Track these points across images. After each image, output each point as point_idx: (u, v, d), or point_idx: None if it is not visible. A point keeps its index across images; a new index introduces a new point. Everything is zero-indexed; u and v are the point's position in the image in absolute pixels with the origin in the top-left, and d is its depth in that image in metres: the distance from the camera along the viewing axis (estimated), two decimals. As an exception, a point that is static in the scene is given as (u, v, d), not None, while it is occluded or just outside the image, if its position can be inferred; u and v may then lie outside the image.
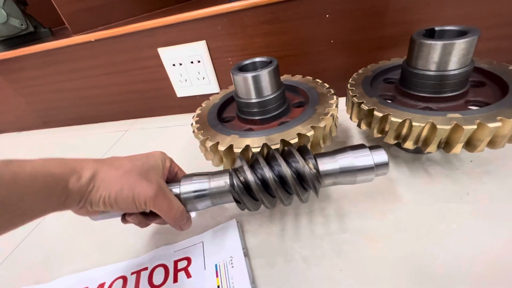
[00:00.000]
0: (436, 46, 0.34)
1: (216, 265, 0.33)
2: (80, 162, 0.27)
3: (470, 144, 0.32)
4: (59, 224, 0.48)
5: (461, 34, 0.35)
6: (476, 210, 0.33)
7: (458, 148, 0.32)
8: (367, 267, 0.30)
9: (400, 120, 0.33)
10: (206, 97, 0.58)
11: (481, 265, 0.28)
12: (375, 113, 0.36)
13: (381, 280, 0.29)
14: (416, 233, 0.32)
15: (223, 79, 0.67)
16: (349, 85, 0.44)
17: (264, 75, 0.37)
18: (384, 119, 0.35)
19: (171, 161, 0.36)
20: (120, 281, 0.34)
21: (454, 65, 0.34)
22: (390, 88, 0.43)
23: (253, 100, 0.39)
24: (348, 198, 0.38)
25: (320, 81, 0.46)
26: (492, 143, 0.31)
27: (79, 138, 0.80)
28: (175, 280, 0.33)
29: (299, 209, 0.39)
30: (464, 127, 0.30)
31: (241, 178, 0.31)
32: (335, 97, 0.41)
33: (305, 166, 0.30)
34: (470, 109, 0.35)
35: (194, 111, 0.47)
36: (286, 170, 0.30)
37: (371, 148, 0.31)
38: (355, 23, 0.53)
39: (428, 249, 0.30)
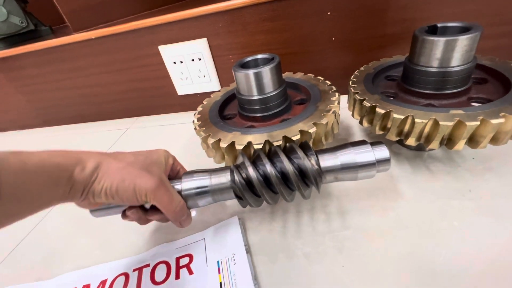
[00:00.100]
0: (439, 43, 0.33)
1: (218, 262, 0.33)
2: (84, 153, 0.28)
3: (472, 141, 0.32)
4: (60, 222, 0.48)
5: (463, 30, 0.34)
6: (479, 207, 0.33)
7: (460, 145, 0.32)
8: (369, 264, 0.30)
9: (402, 117, 0.33)
10: (207, 95, 0.58)
11: (483, 262, 0.28)
12: (377, 110, 0.36)
13: (383, 276, 0.29)
14: (418, 230, 0.32)
15: (224, 77, 0.67)
16: (351, 82, 0.44)
17: (266, 72, 0.37)
18: (386, 115, 0.35)
19: (174, 159, 0.36)
20: (122, 277, 0.34)
21: (456, 61, 0.34)
22: (392, 85, 0.43)
23: (255, 97, 0.39)
24: (350, 195, 0.38)
25: (322, 79, 0.46)
26: (495, 140, 0.31)
27: (80, 136, 0.80)
28: (177, 276, 0.33)
29: (301, 206, 0.39)
30: (467, 123, 0.29)
31: (243, 175, 0.31)
32: (337, 94, 0.40)
33: (308, 162, 0.30)
34: (472, 106, 0.35)
35: (194, 109, 0.47)
36: (288, 166, 0.30)
37: (373, 144, 0.31)
38: (357, 20, 0.53)
39: (430, 246, 0.30)
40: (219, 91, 0.52)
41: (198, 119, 0.43)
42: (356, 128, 0.52)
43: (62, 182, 0.25)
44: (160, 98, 0.75)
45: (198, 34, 0.61)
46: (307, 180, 0.31)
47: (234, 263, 0.32)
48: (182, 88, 0.71)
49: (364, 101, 0.38)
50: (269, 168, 0.30)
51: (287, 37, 0.57)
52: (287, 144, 0.33)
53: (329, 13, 0.53)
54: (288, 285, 0.30)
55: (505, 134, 0.30)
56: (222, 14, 0.57)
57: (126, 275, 0.34)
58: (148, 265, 0.35)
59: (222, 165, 0.38)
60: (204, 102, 0.48)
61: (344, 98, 0.45)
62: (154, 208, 0.32)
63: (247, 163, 0.31)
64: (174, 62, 0.66)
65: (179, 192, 0.32)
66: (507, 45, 0.51)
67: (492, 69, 0.39)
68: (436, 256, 0.29)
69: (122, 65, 0.70)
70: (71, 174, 0.26)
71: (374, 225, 0.34)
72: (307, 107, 0.39)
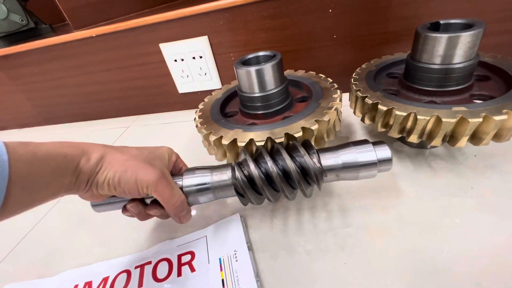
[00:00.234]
0: (442, 39, 0.33)
1: (220, 259, 0.33)
2: (90, 145, 0.29)
3: (475, 137, 0.32)
4: (62, 219, 0.48)
5: (466, 27, 0.34)
6: (480, 204, 0.33)
7: (463, 142, 0.31)
8: (371, 261, 0.30)
9: (404, 114, 0.33)
10: (208, 93, 0.58)
11: (485, 259, 0.28)
12: (380, 107, 0.36)
13: (385, 273, 0.29)
14: (420, 228, 0.32)
15: (225, 75, 0.67)
16: (352, 79, 0.44)
17: (268, 69, 0.37)
18: (389, 113, 0.35)
19: (177, 156, 0.36)
20: (124, 275, 0.34)
21: (459, 58, 0.34)
22: (394, 83, 0.43)
23: (257, 94, 0.39)
24: (351, 193, 0.38)
25: (323, 76, 0.46)
26: (497, 137, 0.31)
27: (81, 134, 0.80)
28: (179, 274, 0.33)
29: (302, 204, 0.38)
30: (470, 120, 0.29)
31: (245, 172, 0.31)
32: (338, 91, 0.40)
33: (310, 160, 0.29)
34: (475, 102, 0.35)
35: (195, 107, 0.47)
36: (290, 164, 0.29)
37: (374, 143, 0.31)
38: (358, 17, 0.53)
39: (432, 243, 0.30)
40: (220, 89, 0.51)
41: (199, 117, 0.43)
42: (357, 125, 0.52)
43: (69, 172, 0.26)
44: (161, 96, 0.75)
45: (199, 32, 0.61)
46: (309, 178, 0.31)
47: (236, 260, 0.32)
48: (183, 86, 0.71)
49: (366, 98, 0.38)
50: (271, 165, 0.30)
51: (288, 34, 0.57)
52: (290, 142, 0.33)
53: (330, 10, 0.53)
54: (290, 282, 0.30)
55: (508, 131, 0.30)
56: (223, 11, 0.56)
57: (128, 272, 0.34)
58: (150, 263, 0.35)
59: (224, 162, 0.38)
60: (205, 100, 0.48)
61: (345, 96, 0.45)
62: (154, 203, 0.32)
63: (249, 160, 0.31)
64: (175, 60, 0.66)
65: (181, 188, 0.32)
66: (510, 42, 0.51)
67: (494, 66, 0.39)
68: (438, 253, 0.29)
69: (123, 63, 0.70)
70: (77, 164, 0.27)
71: (376, 222, 0.34)
72: (308, 105, 0.39)
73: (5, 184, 0.21)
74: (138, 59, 0.68)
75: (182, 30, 0.61)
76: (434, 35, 0.34)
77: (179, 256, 0.35)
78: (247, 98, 0.40)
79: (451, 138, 0.33)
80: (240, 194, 0.32)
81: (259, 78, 0.38)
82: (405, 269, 0.28)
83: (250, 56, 0.42)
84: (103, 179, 0.28)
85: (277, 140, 0.33)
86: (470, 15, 0.49)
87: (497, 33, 0.50)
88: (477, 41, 0.33)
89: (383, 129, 0.38)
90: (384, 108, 0.35)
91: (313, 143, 0.35)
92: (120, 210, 0.33)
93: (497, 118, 0.29)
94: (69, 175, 0.26)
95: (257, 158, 0.32)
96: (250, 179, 0.31)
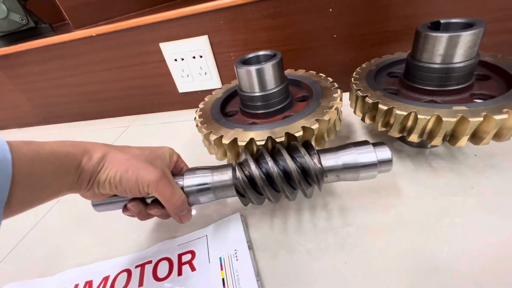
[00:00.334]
0: (442, 38, 0.33)
1: (220, 258, 0.33)
2: (91, 144, 0.29)
3: (476, 137, 0.32)
4: (62, 219, 0.48)
5: (466, 26, 0.34)
6: (481, 203, 0.33)
7: (463, 141, 0.31)
8: (371, 260, 0.30)
9: (405, 113, 0.33)
10: (208, 92, 0.57)
11: (486, 258, 0.28)
12: (380, 106, 0.36)
13: (385, 273, 0.29)
14: (420, 227, 0.32)
15: (225, 74, 0.67)
16: (353, 79, 0.44)
17: (268, 68, 0.37)
18: (389, 112, 0.35)
19: (179, 156, 0.37)
20: (125, 274, 0.34)
21: (459, 57, 0.34)
22: (394, 82, 0.43)
23: (257, 94, 0.39)
24: (351, 192, 0.38)
25: (324, 75, 0.46)
26: (498, 136, 0.31)
27: (81, 134, 0.80)
28: (180, 273, 0.33)
29: (302, 203, 0.38)
30: (470, 119, 0.29)
31: (246, 172, 0.31)
32: (339, 90, 0.40)
33: (310, 161, 0.29)
34: (475, 102, 0.35)
35: (196, 106, 0.47)
36: (291, 164, 0.30)
37: (375, 144, 0.31)
38: (358, 17, 0.53)
39: (432, 242, 0.30)
40: (220, 88, 0.51)
41: (199, 116, 0.43)
42: (358, 125, 0.52)
43: (71, 171, 0.26)
44: (161, 95, 0.75)
45: (199, 31, 0.60)
46: (309, 178, 0.31)
47: (237, 259, 0.32)
48: (183, 85, 0.71)
49: (367, 98, 0.38)
50: (271, 165, 0.30)
51: (288, 34, 0.57)
52: (291, 142, 0.33)
53: (330, 9, 0.53)
54: (290, 281, 0.30)
55: (508, 130, 0.30)
56: (223, 11, 0.56)
57: (129, 272, 0.35)
58: (150, 262, 0.35)
59: (224, 162, 0.38)
60: (206, 99, 0.48)
61: (346, 95, 0.45)
62: (155, 203, 0.32)
63: (250, 160, 0.31)
64: (175, 60, 0.66)
65: (182, 188, 0.32)
66: (510, 41, 0.50)
67: (494, 66, 0.39)
68: (438, 253, 0.29)
69: (123, 62, 0.70)
70: (79, 163, 0.27)
71: (376, 222, 0.34)
72: (309, 104, 0.39)
73: (8, 183, 0.21)
74: (138, 59, 0.68)
75: (182, 29, 0.61)
76: (435, 34, 0.34)
77: (180, 256, 0.35)
78: (248, 98, 0.40)
79: (451, 138, 0.33)
80: (241, 194, 0.33)
81: (259, 78, 0.38)
82: (405, 268, 0.29)
83: (251, 55, 0.42)
84: (105, 178, 0.28)
85: (278, 140, 0.33)
86: (471, 15, 0.49)
87: (498, 32, 0.50)
88: (477, 41, 0.33)
89: (384, 129, 0.38)
90: (385, 108, 0.35)
91: (313, 142, 0.35)
92: (121, 210, 0.34)
93: (498, 117, 0.29)
94: (72, 173, 0.26)
95: (258, 158, 0.32)
96: (251, 179, 0.31)
